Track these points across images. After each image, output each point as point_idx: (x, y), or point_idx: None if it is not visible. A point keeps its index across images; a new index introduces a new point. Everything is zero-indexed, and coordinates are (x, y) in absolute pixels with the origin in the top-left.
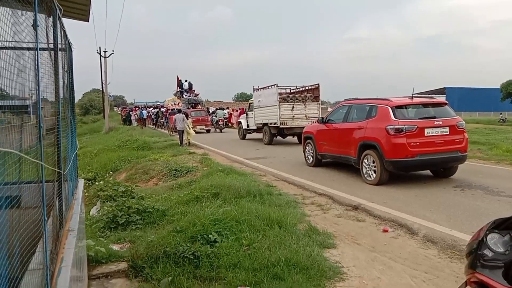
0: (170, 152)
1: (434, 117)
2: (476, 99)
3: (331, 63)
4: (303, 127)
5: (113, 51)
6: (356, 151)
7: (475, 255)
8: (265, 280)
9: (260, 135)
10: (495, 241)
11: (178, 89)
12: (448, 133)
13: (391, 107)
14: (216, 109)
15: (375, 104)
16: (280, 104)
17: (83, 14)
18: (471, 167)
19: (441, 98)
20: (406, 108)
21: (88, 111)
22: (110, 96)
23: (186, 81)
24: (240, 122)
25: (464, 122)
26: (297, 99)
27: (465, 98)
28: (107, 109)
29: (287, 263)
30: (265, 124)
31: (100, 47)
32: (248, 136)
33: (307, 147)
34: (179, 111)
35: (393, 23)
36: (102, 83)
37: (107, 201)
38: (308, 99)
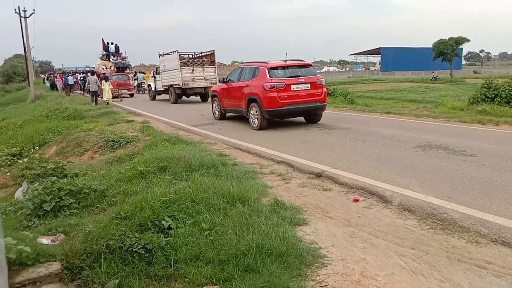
0: (105, 121)
1: (299, 76)
2: (409, 58)
3: (264, 24)
4: (203, 87)
5: (33, 10)
6: (245, 104)
7: None
8: (236, 274)
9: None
10: None
11: (104, 53)
12: (309, 88)
13: (267, 68)
14: (135, 72)
15: (258, 66)
16: (181, 67)
17: None
18: (424, 126)
19: (377, 58)
20: (278, 69)
21: (11, 79)
22: (35, 62)
23: (112, 43)
24: (149, 85)
25: (324, 79)
26: (196, 63)
27: (399, 58)
28: (32, 75)
29: (259, 250)
30: (170, 86)
31: (19, 7)
32: (158, 97)
33: (214, 104)
34: (93, 73)
35: None
36: (24, 47)
37: (35, 181)
38: (206, 63)
